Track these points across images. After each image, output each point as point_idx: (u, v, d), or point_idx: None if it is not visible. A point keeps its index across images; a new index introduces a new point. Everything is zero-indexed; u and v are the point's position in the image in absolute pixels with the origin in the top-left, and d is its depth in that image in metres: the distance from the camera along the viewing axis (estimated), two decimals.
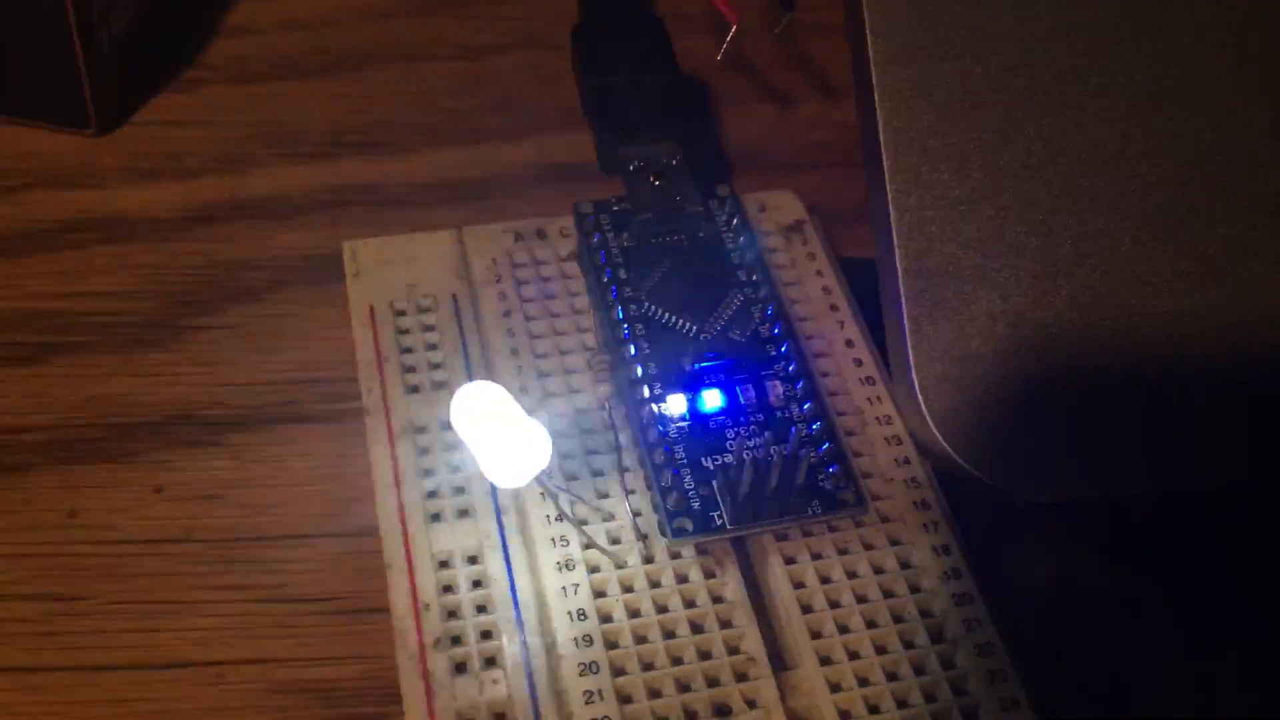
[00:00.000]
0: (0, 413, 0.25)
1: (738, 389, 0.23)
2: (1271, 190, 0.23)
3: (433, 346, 0.24)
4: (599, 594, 0.21)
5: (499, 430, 0.19)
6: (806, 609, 0.21)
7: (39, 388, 0.25)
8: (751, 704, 0.20)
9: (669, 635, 0.21)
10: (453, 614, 0.21)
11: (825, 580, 0.22)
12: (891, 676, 0.21)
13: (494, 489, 0.22)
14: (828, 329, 0.25)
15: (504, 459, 0.20)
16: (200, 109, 0.31)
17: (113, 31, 0.29)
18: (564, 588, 0.21)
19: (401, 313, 0.25)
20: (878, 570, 0.22)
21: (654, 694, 0.20)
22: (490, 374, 0.24)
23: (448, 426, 0.23)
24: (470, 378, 0.24)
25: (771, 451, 0.21)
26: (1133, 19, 0.24)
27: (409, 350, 0.24)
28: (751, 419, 0.23)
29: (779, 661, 0.21)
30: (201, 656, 0.22)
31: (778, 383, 0.23)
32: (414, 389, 0.24)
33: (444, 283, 0.25)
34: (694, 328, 0.24)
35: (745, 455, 0.22)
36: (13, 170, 0.29)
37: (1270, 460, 0.22)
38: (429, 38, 0.34)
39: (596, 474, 0.23)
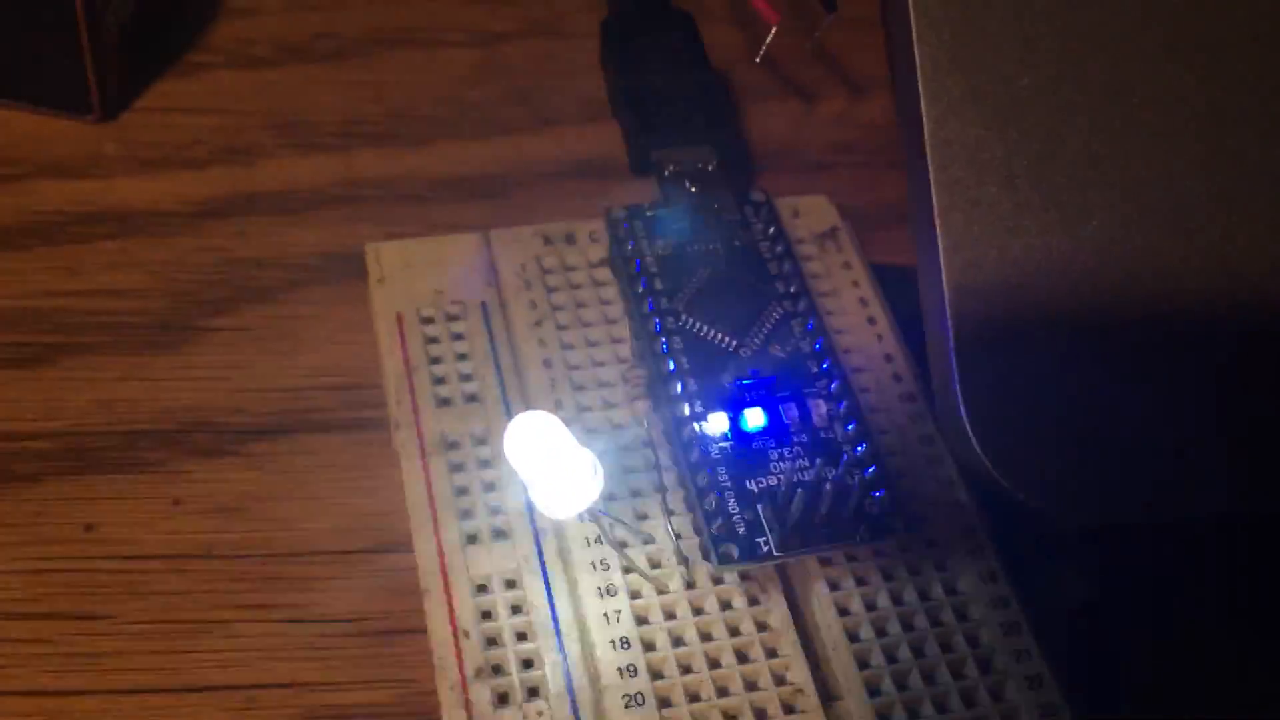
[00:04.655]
0: (6, 418, 0.24)
1: (780, 407, 0.22)
2: None
3: (463, 357, 0.24)
4: (641, 621, 0.21)
5: (553, 462, 0.19)
6: (853, 638, 0.21)
7: (46, 391, 0.24)
8: None
9: (714, 665, 0.20)
10: (493, 641, 0.20)
11: (870, 607, 0.21)
12: (940, 708, 0.20)
13: (530, 508, 0.21)
14: (866, 342, 0.25)
15: (558, 491, 0.19)
16: (205, 95, 0.30)
17: (119, 14, 0.28)
18: (605, 614, 0.21)
19: (428, 320, 0.24)
20: (924, 597, 0.21)
21: None
22: (523, 386, 0.23)
23: (481, 442, 0.22)
24: (503, 391, 0.23)
25: (823, 475, 0.21)
26: (1184, 32, 0.24)
27: (438, 361, 0.23)
28: (795, 439, 0.22)
29: (825, 692, 0.20)
30: (228, 680, 0.21)
31: (821, 401, 0.23)
32: (445, 401, 0.23)
33: (472, 289, 0.25)
34: (734, 342, 0.23)
35: (794, 479, 0.21)
36: (12, 158, 0.28)
37: None
38: (438, 22, 0.32)
39: (635, 494, 0.22)
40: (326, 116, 0.30)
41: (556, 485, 0.19)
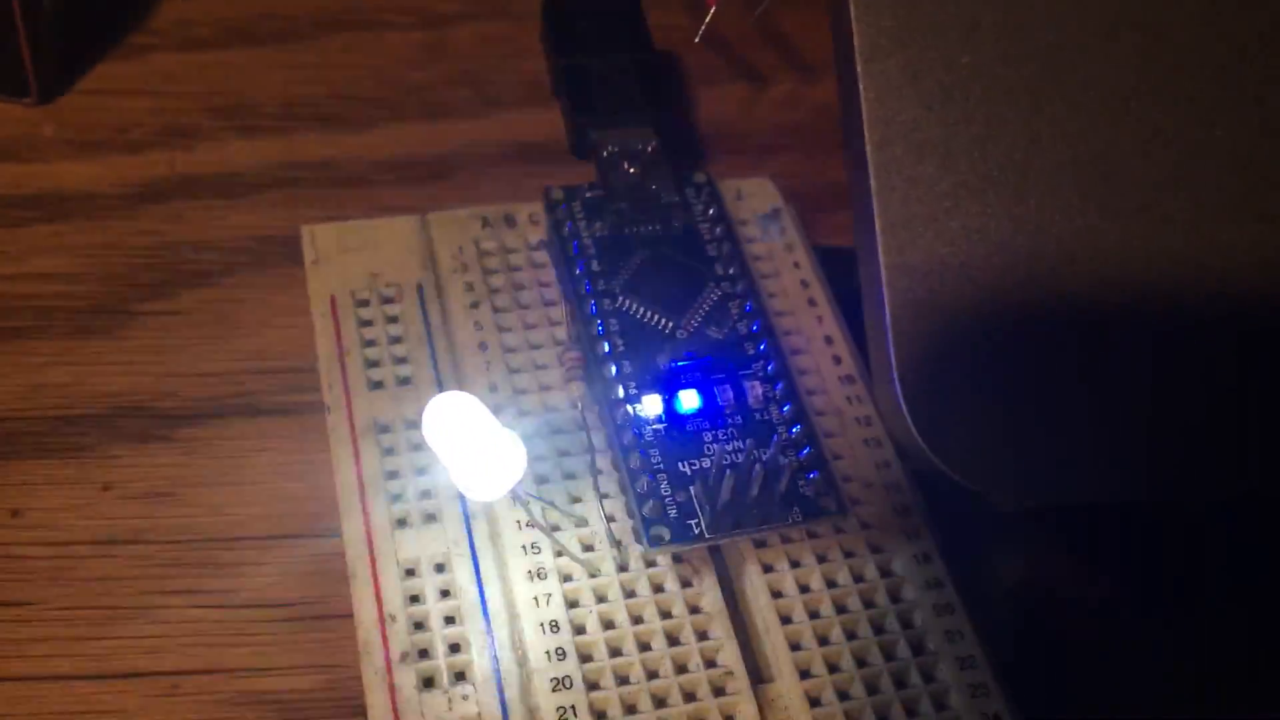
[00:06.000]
0: None
1: (715, 389, 0.22)
2: (1268, 196, 0.23)
3: (397, 340, 0.23)
4: (572, 604, 0.20)
5: (472, 443, 0.18)
6: (785, 619, 0.21)
7: None
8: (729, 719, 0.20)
9: (644, 648, 0.20)
10: (420, 625, 0.20)
11: (804, 589, 0.21)
12: (872, 690, 0.20)
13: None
14: (806, 324, 0.24)
15: (478, 472, 0.19)
16: (146, 77, 0.30)
17: None
18: (535, 597, 0.20)
19: (364, 303, 0.24)
20: (858, 579, 0.21)
21: (630, 710, 0.19)
22: (457, 369, 0.23)
23: (413, 425, 0.22)
24: (437, 373, 0.23)
25: (753, 457, 0.21)
26: (1127, 12, 0.24)
27: (372, 344, 0.23)
28: (729, 421, 0.22)
29: (757, 674, 0.20)
30: (154, 666, 0.21)
31: (756, 383, 0.22)
32: (378, 385, 0.23)
33: (408, 271, 0.24)
34: (670, 324, 0.23)
35: (725, 461, 0.21)
36: None
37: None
38: (383, 4, 0.32)
39: (569, 477, 0.22)
40: (268, 99, 0.29)
41: (477, 466, 0.19)
